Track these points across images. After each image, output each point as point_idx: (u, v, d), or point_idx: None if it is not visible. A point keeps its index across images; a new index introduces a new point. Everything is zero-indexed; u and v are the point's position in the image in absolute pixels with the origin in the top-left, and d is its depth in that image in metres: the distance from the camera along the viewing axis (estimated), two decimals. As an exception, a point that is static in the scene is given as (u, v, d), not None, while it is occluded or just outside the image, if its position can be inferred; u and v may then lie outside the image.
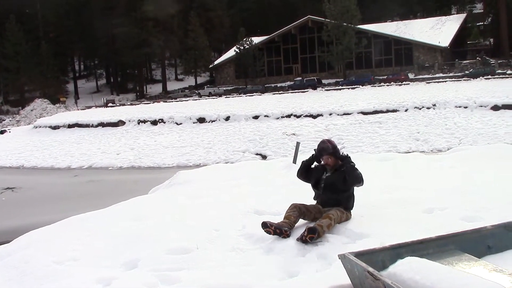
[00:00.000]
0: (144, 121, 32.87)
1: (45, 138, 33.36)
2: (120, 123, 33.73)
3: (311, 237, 4.87)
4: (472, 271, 3.40)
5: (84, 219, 6.83)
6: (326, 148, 5.59)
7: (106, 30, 73.35)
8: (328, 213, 5.26)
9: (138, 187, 14.00)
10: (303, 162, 5.96)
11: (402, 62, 63.53)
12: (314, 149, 5.87)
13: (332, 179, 5.58)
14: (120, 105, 60.80)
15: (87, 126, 34.85)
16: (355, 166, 5.47)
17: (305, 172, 5.86)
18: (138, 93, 77.12)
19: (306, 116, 28.21)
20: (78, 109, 58.42)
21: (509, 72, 50.75)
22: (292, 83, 61.97)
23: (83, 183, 18.98)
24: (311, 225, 5.08)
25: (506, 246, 3.97)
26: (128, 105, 59.36)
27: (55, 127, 36.56)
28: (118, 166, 23.16)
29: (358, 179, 5.44)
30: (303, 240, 4.89)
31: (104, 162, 24.10)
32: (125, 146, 27.07)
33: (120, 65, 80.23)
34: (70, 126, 35.73)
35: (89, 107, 61.10)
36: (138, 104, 59.39)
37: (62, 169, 24.09)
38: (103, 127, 33.88)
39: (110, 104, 61.97)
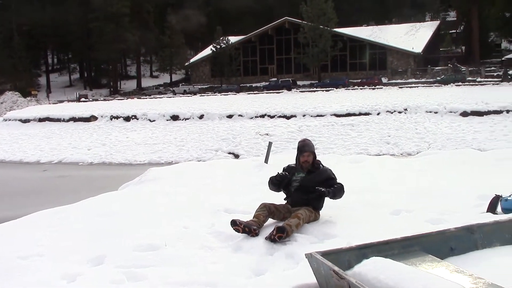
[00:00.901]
0: (117, 117, 32.50)
1: (15, 131, 32.70)
2: (92, 118, 33.27)
3: (279, 236, 4.90)
4: (434, 272, 3.47)
5: (52, 214, 6.73)
6: (311, 145, 5.65)
7: (80, 24, 72.30)
8: (297, 212, 5.30)
9: (108, 183, 13.84)
10: (277, 176, 5.65)
11: (376, 66, 64.39)
12: (284, 169, 5.84)
13: (306, 181, 5.61)
14: (93, 100, 60.09)
15: (58, 120, 34.28)
16: (342, 185, 5.63)
17: (278, 185, 5.76)
18: (111, 89, 76.22)
19: (279, 116, 28.33)
20: (50, 103, 57.43)
21: (479, 79, 51.89)
22: (267, 83, 62.19)
23: (52, 178, 18.68)
24: (280, 224, 5.12)
25: (468, 248, 4.07)
26: (101, 100, 58.69)
27: (25, 121, 35.87)
28: (89, 162, 22.86)
29: (341, 196, 5.61)
30: (271, 239, 4.92)
31: (74, 157, 23.76)
32: (96, 142, 26.74)
33: (94, 60, 79.12)
34: (41, 120, 35.10)
35: (61, 101, 60.15)
36: (112, 99, 58.71)
37: (31, 163, 23.66)
38: (74, 122, 33.39)
39: (82, 99, 61.15)
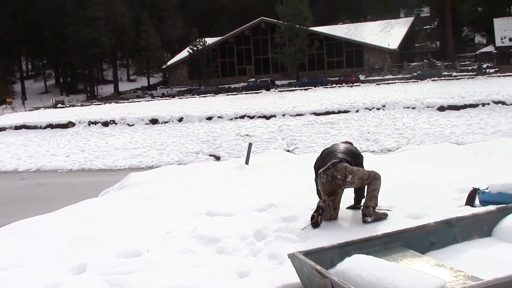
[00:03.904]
0: (95, 123, 32.15)
1: (-10, 141, 32.08)
2: (69, 124, 32.87)
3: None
4: (415, 267, 3.51)
5: (31, 223, 6.63)
6: None
7: (54, 29, 71.36)
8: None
9: (88, 189, 13.69)
10: None
11: (353, 63, 64.87)
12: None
13: None
14: (70, 106, 59.47)
15: (35, 127, 33.76)
16: None
17: None
18: (88, 94, 75.41)
19: (259, 117, 28.36)
20: (26, 110, 56.59)
21: (454, 74, 52.69)
22: (245, 84, 62.22)
23: (31, 186, 18.38)
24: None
25: (448, 242, 4.13)
26: (79, 106, 58.11)
27: (1, 129, 35.21)
28: (68, 169, 22.56)
29: None
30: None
31: (53, 164, 23.41)
32: (75, 148, 26.41)
33: (70, 65, 78.19)
34: (17, 127, 34.52)
35: (37, 108, 59.31)
36: (89, 105, 58.16)
37: (8, 172, 23.25)
38: (51, 128, 32.92)
39: (59, 105, 60.42)
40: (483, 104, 25.14)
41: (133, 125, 30.61)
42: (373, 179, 5.39)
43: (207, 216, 6.21)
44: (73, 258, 4.88)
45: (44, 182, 18.96)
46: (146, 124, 30.47)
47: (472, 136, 20.07)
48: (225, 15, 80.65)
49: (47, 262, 4.87)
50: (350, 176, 5.31)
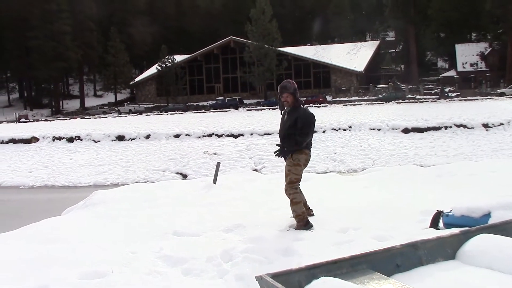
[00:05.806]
0: (60, 138, 31.52)
1: None
2: (33, 139, 32.12)
3: None
4: (381, 290, 3.53)
5: (-11, 243, 6.39)
6: (288, 87, 5.94)
7: (19, 41, 70.10)
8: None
9: (51, 207, 13.36)
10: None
11: (320, 84, 65.86)
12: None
13: (282, 122, 6.09)
14: (34, 120, 58.35)
15: (-4, 142, 32.88)
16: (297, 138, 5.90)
17: None
18: (53, 109, 74.05)
19: (227, 135, 28.34)
20: (-13, 124, 55.13)
21: (418, 97, 54.04)
22: (214, 102, 62.29)
23: (-10, 203, 17.82)
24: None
25: (413, 264, 4.17)
26: (43, 121, 57.06)
27: (-40, 143, 34.16)
28: (30, 185, 22.00)
29: (291, 147, 6.05)
30: None
31: (14, 180, 22.78)
32: (38, 164, 25.79)
33: (35, 79, 76.78)
34: (-23, 142, 33.56)
35: (0, 122, 57.84)
36: (54, 120, 57.19)
37: (-34, 188, 22.50)
38: (14, 143, 32.12)
39: (23, 120, 59.22)
40: (446, 127, 25.79)
41: (99, 141, 30.14)
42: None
43: (173, 236, 6.13)
44: (33, 280, 4.72)
45: (4, 199, 18.40)
46: (112, 140, 30.05)
47: (435, 158, 20.52)
48: (194, 33, 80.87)
49: (5, 284, 4.70)
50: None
